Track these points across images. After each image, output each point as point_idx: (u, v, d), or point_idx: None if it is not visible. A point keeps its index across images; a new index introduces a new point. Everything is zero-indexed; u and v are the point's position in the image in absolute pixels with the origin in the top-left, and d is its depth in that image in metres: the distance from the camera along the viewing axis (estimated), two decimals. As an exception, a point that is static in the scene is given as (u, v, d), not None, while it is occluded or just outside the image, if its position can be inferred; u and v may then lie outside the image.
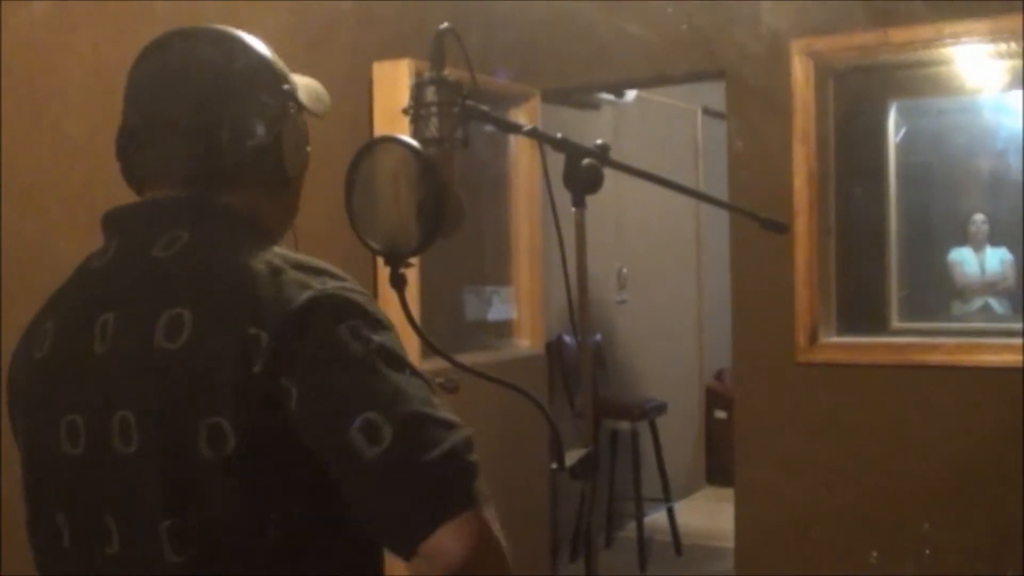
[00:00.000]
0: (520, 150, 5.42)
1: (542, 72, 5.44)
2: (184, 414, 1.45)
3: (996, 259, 5.46)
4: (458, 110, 2.01)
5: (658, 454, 6.64)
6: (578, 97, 6.49)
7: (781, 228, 2.46)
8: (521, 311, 5.49)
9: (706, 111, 7.78)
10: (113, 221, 1.66)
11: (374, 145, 1.72)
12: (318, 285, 1.49)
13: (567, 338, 6.23)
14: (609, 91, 6.53)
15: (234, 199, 1.64)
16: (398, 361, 1.48)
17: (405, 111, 2.04)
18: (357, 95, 4.64)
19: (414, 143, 1.71)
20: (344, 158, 1.72)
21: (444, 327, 5.00)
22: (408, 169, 1.68)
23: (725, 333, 5.32)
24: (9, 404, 1.69)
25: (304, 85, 1.75)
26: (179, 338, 1.47)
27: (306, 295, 1.47)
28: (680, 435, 7.65)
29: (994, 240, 5.43)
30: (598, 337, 6.83)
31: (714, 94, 6.11)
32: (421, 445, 1.41)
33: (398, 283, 1.72)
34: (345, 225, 1.72)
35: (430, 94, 2.02)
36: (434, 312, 4.62)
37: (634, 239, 7.21)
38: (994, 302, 5.46)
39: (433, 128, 2.00)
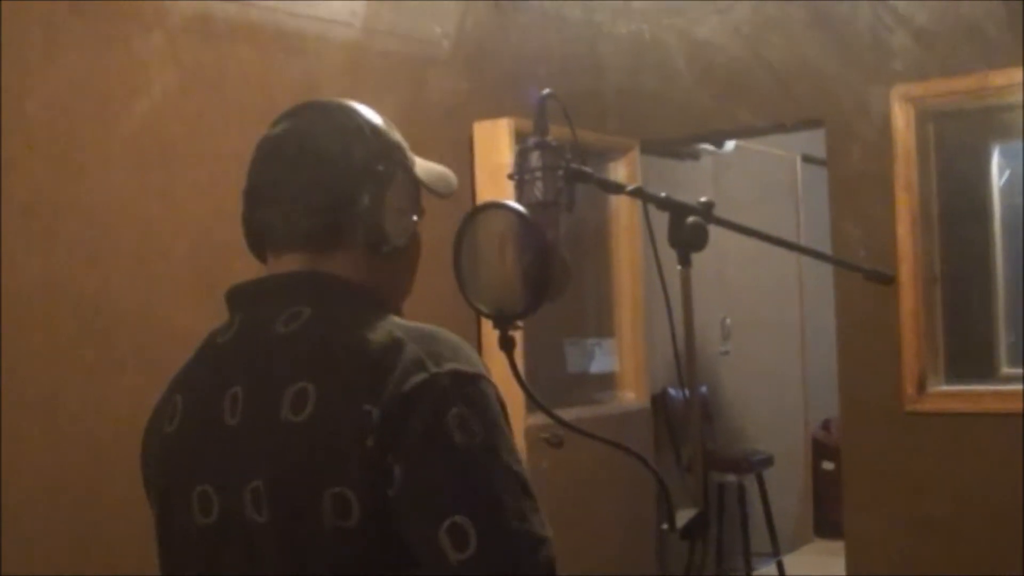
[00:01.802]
0: (620, 203, 5.43)
1: (641, 124, 5.45)
2: (310, 484, 1.49)
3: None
4: (562, 173, 2.03)
5: (766, 507, 6.54)
6: (677, 147, 6.49)
7: (887, 279, 2.44)
8: (624, 364, 5.48)
9: (805, 158, 7.73)
10: (237, 297, 1.71)
11: (481, 210, 1.75)
12: (433, 367, 1.50)
13: (672, 391, 6.19)
14: (708, 142, 6.52)
15: (347, 267, 1.66)
16: (498, 457, 1.50)
17: (510, 176, 2.06)
18: (458, 154, 4.69)
19: (520, 208, 1.74)
20: (445, 216, 1.74)
21: (547, 380, 5.01)
22: (515, 233, 1.71)
23: (830, 382, 5.25)
24: (144, 478, 1.74)
25: (430, 169, 1.77)
26: (303, 411, 1.51)
27: (419, 378, 1.49)
28: (787, 487, 7.54)
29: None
30: (704, 389, 6.78)
31: (813, 141, 6.07)
32: (503, 561, 1.45)
33: (507, 345, 1.75)
34: (449, 286, 1.74)
35: (534, 159, 2.04)
36: (537, 365, 4.63)
37: (736, 288, 7.15)
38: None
39: (538, 192, 2.02)
